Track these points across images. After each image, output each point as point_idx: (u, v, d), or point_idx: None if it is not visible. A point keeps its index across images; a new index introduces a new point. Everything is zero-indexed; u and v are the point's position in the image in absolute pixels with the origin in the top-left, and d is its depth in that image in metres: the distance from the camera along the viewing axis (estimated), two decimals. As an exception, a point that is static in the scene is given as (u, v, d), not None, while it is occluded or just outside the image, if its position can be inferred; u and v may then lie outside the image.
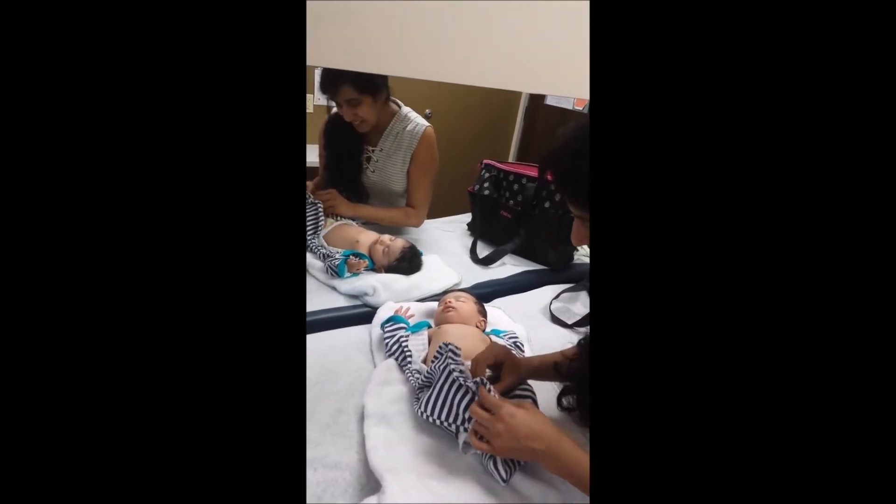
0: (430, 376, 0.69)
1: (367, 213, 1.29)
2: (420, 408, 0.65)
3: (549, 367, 0.72)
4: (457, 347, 0.68)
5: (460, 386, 0.63)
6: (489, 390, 0.62)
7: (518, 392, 0.71)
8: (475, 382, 0.63)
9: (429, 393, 0.66)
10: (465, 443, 0.63)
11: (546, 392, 0.77)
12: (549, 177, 0.61)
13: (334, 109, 1.30)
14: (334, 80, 1.11)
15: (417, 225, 1.39)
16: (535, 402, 0.71)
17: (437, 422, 0.63)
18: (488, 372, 0.72)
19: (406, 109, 1.30)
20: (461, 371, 0.65)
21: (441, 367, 0.66)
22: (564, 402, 0.72)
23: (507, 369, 0.70)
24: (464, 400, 0.63)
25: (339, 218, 1.23)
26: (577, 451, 0.54)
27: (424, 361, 0.78)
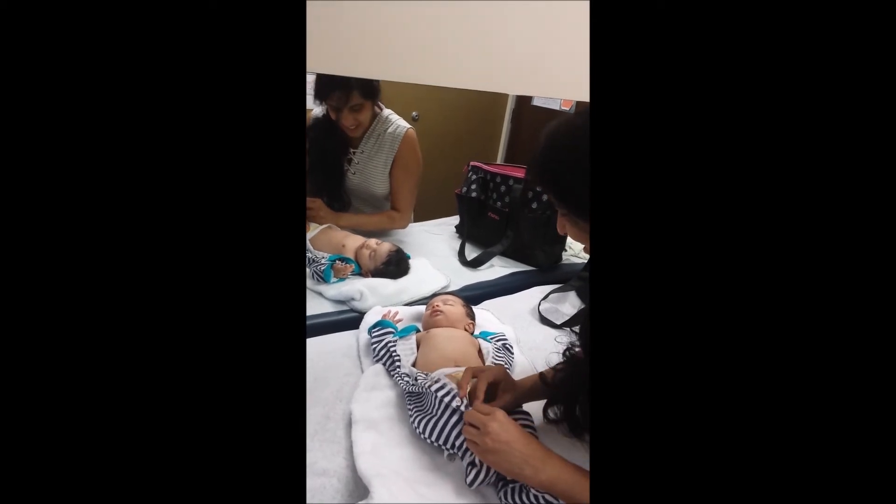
0: (418, 384, 0.69)
1: (351, 222, 1.28)
2: (414, 423, 0.65)
3: (538, 385, 0.71)
4: (435, 381, 0.67)
5: (454, 411, 0.63)
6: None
7: (516, 417, 0.67)
8: (465, 402, 0.63)
9: (422, 416, 0.65)
10: (449, 454, 0.63)
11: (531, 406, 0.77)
12: (532, 178, 0.60)
13: (314, 112, 1.29)
14: (342, 85, 1.12)
15: (403, 227, 1.38)
16: (533, 430, 0.68)
17: (429, 440, 0.63)
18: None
19: (387, 111, 1.30)
20: (451, 391, 0.65)
21: (432, 391, 0.66)
22: (550, 413, 0.70)
23: (503, 387, 0.69)
24: (456, 427, 0.62)
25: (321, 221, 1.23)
26: (563, 462, 0.54)
27: (414, 366, 0.78)
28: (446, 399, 0.64)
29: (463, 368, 0.71)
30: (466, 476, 0.59)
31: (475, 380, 0.67)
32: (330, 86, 1.13)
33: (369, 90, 1.17)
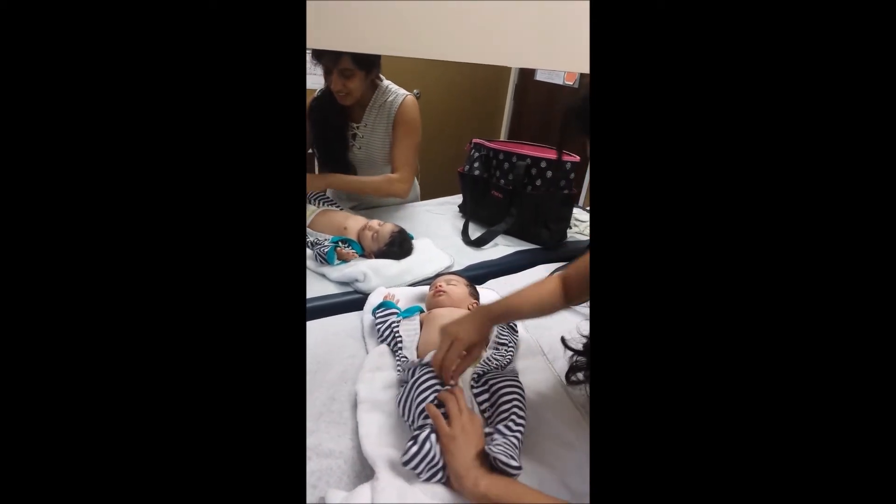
0: (405, 377, 0.69)
1: (342, 182, 1.26)
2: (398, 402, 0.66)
3: (514, 309, 0.71)
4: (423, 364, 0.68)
5: (427, 389, 0.63)
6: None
7: (504, 400, 0.65)
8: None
9: (401, 395, 0.65)
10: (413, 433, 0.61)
11: (543, 371, 0.77)
12: (566, 153, 0.59)
13: (318, 90, 1.28)
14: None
15: (404, 194, 1.31)
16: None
17: (403, 418, 0.63)
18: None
19: (387, 83, 1.28)
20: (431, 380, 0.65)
21: (416, 382, 0.65)
22: (573, 377, 0.72)
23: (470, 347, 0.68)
24: (423, 404, 0.62)
25: (320, 204, 1.21)
26: (503, 478, 0.54)
27: (416, 347, 0.78)
28: (422, 379, 0.64)
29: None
30: (403, 454, 0.55)
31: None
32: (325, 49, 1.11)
33: (362, 60, 1.14)
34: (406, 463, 0.54)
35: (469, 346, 0.67)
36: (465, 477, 0.53)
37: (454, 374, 0.65)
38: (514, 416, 0.61)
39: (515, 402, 0.63)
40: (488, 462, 0.55)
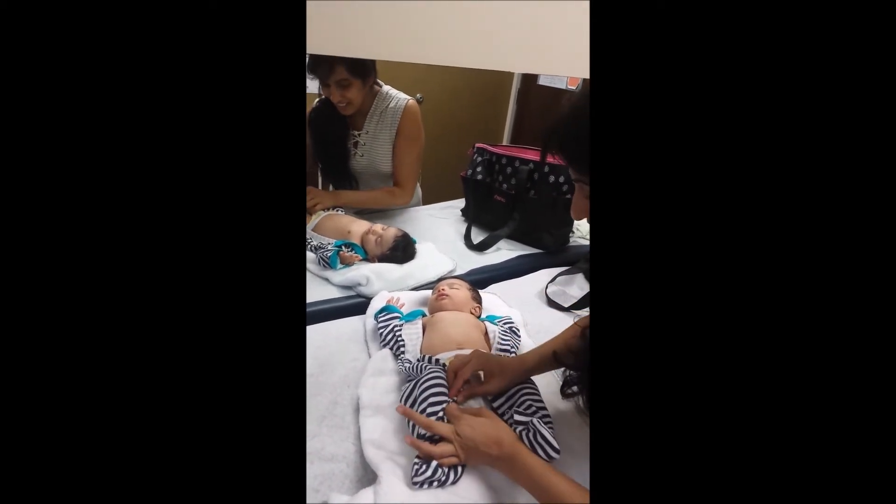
0: (411, 373, 0.70)
1: (350, 199, 1.27)
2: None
3: (548, 358, 0.71)
4: (435, 362, 0.69)
5: (431, 404, 0.63)
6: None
7: (524, 395, 0.67)
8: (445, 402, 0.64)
9: (408, 391, 0.66)
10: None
11: (544, 376, 0.77)
12: (551, 156, 0.59)
13: (317, 100, 1.29)
14: (328, 59, 1.10)
15: (405, 203, 1.35)
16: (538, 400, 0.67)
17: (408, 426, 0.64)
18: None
19: (387, 88, 1.28)
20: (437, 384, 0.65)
21: (419, 382, 0.66)
22: (568, 391, 0.71)
23: (489, 373, 0.68)
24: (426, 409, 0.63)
25: (325, 208, 1.22)
26: (531, 458, 0.54)
27: (420, 351, 0.78)
28: (429, 392, 0.64)
29: (466, 351, 0.71)
30: (413, 475, 0.56)
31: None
32: (319, 60, 1.11)
33: (357, 68, 1.14)
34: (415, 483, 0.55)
35: (488, 373, 0.69)
36: (504, 438, 0.55)
37: (462, 393, 0.66)
38: (543, 413, 0.65)
39: (539, 402, 0.66)
40: (509, 430, 0.58)
